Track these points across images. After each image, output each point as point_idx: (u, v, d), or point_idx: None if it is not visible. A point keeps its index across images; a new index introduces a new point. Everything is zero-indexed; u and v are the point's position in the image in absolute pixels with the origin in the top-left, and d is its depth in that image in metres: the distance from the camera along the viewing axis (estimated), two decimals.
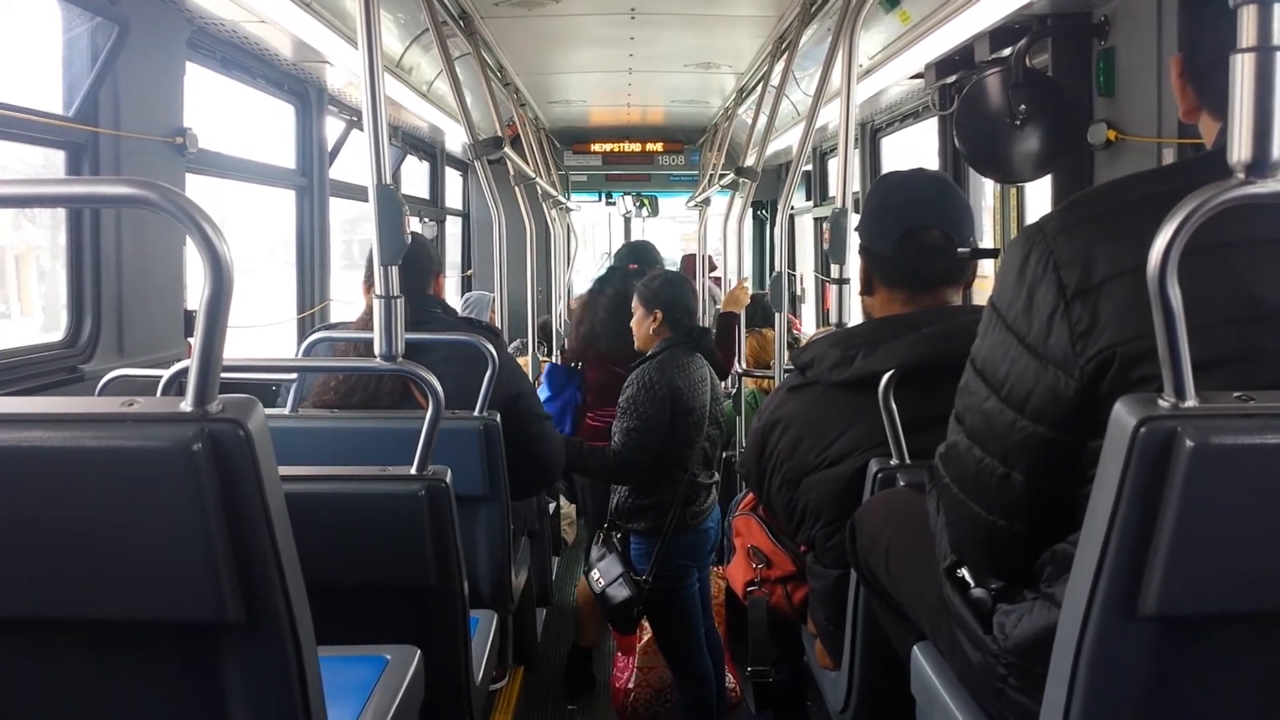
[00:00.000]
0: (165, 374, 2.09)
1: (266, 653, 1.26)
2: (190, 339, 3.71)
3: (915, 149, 5.99)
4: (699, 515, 4.06)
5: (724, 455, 4.35)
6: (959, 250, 2.30)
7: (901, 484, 2.08)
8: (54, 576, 1.19)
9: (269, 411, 1.24)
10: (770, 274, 6.08)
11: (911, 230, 2.33)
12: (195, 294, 3.81)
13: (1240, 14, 1.10)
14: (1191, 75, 1.36)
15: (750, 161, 5.94)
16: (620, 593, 3.92)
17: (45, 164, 3.45)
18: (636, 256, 5.95)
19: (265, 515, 1.19)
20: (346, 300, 5.27)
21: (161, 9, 3.51)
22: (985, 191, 4.85)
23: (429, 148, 7.92)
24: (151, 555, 1.18)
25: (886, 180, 2.46)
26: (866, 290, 2.46)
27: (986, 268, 2.95)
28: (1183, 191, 1.11)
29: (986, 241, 4.54)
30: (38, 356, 3.13)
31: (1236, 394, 1.14)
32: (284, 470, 1.25)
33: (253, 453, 1.16)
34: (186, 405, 1.16)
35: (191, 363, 1.16)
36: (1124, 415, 1.14)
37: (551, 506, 4.53)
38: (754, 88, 6.51)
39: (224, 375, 1.19)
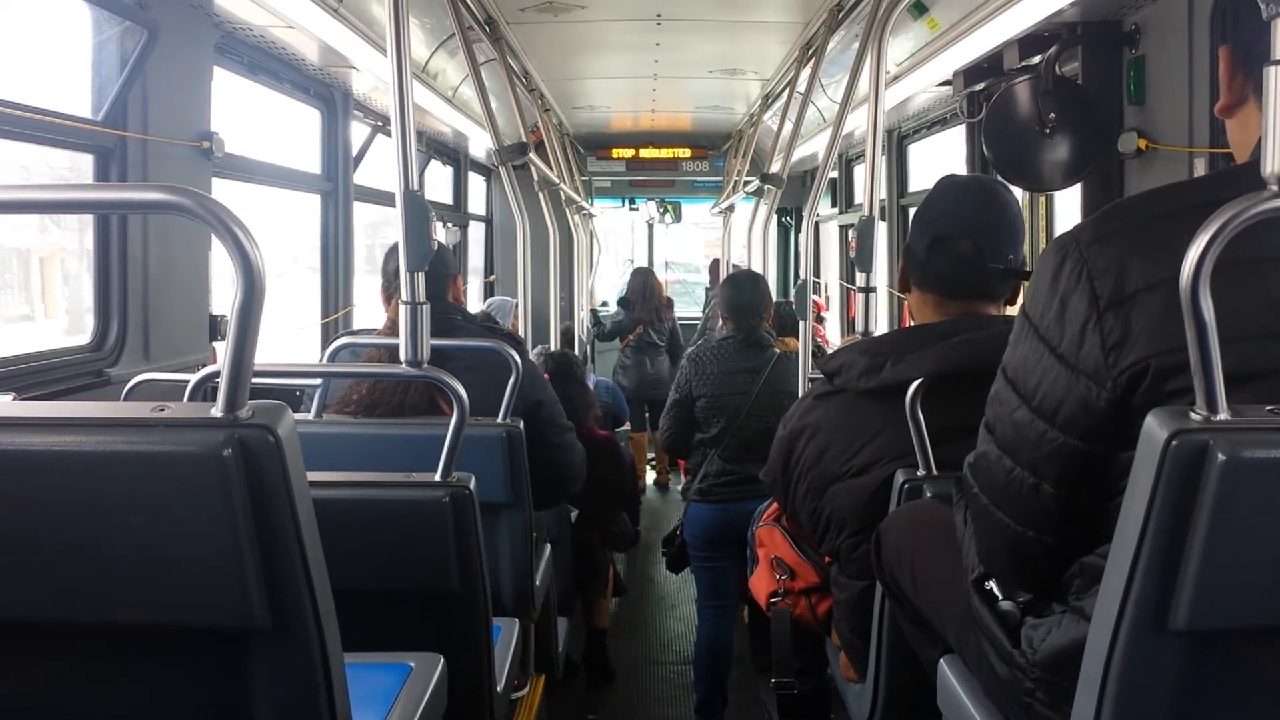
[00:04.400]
0: (192, 379, 2.10)
1: (293, 658, 1.26)
2: (215, 343, 3.75)
3: (943, 156, 5.97)
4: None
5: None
6: (990, 266, 2.28)
7: (928, 495, 2.06)
8: (83, 580, 1.19)
9: (294, 417, 1.23)
10: (795, 282, 6.08)
11: (942, 238, 2.32)
12: (219, 299, 3.83)
13: (1273, 26, 1.09)
14: (1246, 65, 1.33)
15: (775, 168, 5.95)
16: None
17: (72, 168, 3.47)
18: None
19: (294, 521, 1.19)
20: (370, 305, 5.29)
21: (190, 14, 3.53)
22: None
23: (453, 153, 7.94)
24: (180, 560, 1.19)
25: (940, 183, 2.44)
26: (903, 288, 2.46)
27: None
28: (1217, 203, 1.10)
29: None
30: (64, 360, 3.15)
31: (1269, 407, 1.13)
32: (310, 476, 1.25)
33: (282, 459, 1.16)
34: (217, 411, 1.16)
35: (222, 368, 1.16)
36: (1155, 428, 1.13)
37: (573, 514, 4.55)
38: (780, 94, 6.51)
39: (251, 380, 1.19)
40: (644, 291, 8.95)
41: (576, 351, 7.41)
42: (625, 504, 5.12)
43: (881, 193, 5.90)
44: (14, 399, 2.59)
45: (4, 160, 3.29)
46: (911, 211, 6.11)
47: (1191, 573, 1.13)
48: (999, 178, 2.42)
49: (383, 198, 5.82)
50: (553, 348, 6.04)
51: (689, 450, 4.56)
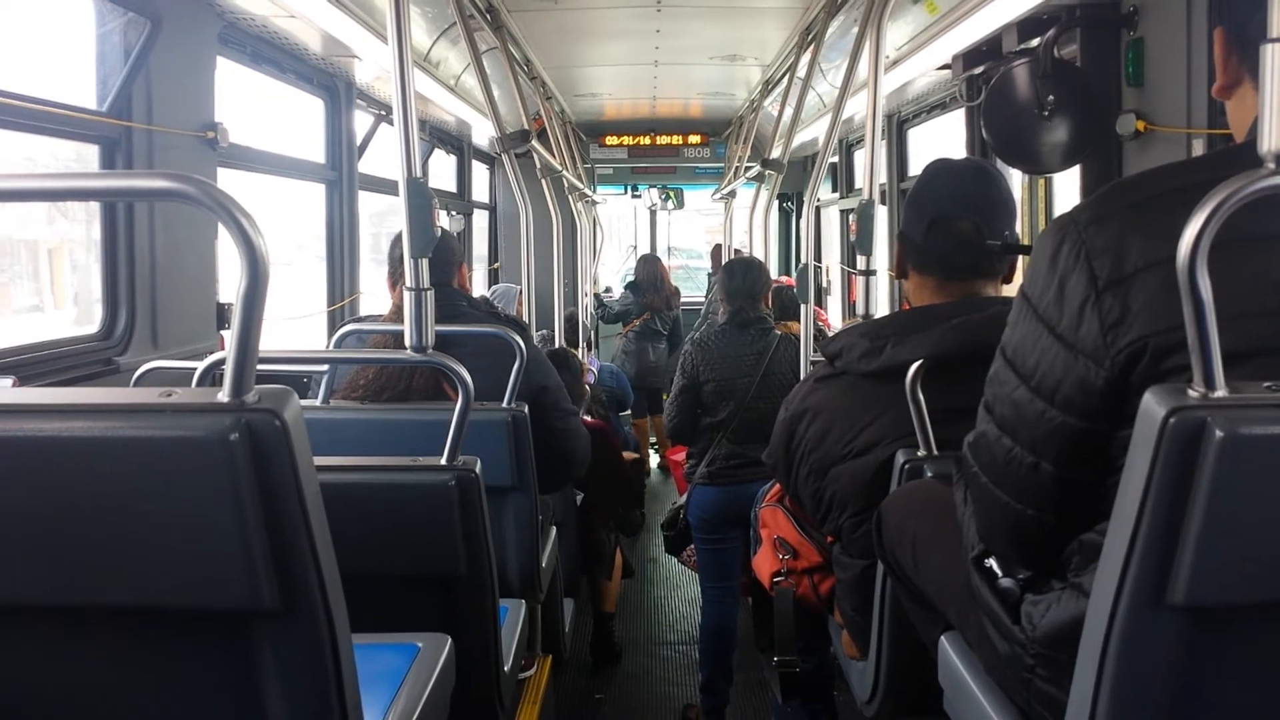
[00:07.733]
0: (200, 366, 2.12)
1: (302, 640, 1.27)
2: (223, 331, 3.77)
3: (942, 140, 5.97)
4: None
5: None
6: (989, 243, 2.29)
7: (928, 475, 2.08)
8: (92, 564, 1.20)
9: (301, 403, 1.24)
10: (796, 266, 6.10)
11: (941, 219, 2.33)
12: (227, 287, 3.85)
13: (1271, 3, 1.09)
14: (1241, 46, 1.33)
15: (776, 153, 5.95)
16: None
17: (77, 158, 3.48)
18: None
19: (301, 504, 1.20)
20: (376, 293, 5.31)
21: (192, 4, 3.54)
22: (1013, 183, 4.83)
23: (456, 141, 7.94)
24: (189, 543, 1.20)
25: (930, 166, 2.44)
26: (900, 274, 2.47)
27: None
28: (1214, 182, 1.10)
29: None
30: (74, 349, 3.17)
31: (1267, 384, 1.14)
32: (317, 460, 1.25)
33: (289, 442, 1.17)
34: (224, 396, 1.17)
35: (228, 354, 1.17)
36: (1153, 405, 1.13)
37: (579, 498, 4.57)
38: (780, 80, 6.50)
39: (258, 366, 1.20)
40: (653, 279, 8.98)
41: (580, 336, 7.43)
42: (628, 490, 5.13)
43: (881, 177, 5.91)
44: (14, 383, 2.62)
45: (9, 152, 3.30)
46: None
47: (1189, 549, 1.13)
48: (995, 160, 2.41)
49: (387, 186, 5.83)
50: (553, 333, 6.05)
51: (695, 437, 4.55)
